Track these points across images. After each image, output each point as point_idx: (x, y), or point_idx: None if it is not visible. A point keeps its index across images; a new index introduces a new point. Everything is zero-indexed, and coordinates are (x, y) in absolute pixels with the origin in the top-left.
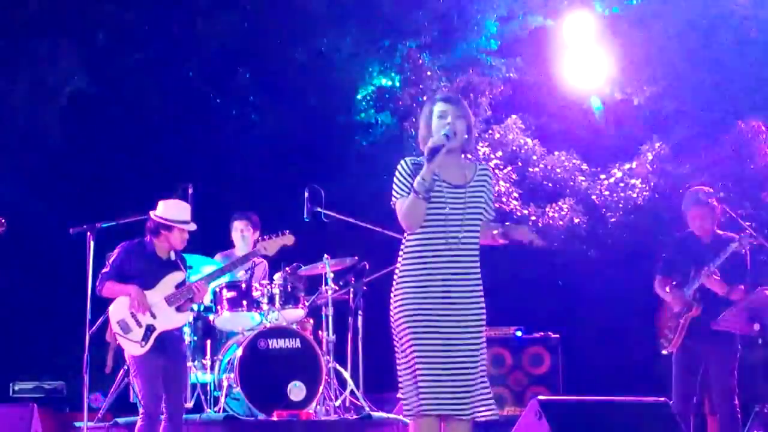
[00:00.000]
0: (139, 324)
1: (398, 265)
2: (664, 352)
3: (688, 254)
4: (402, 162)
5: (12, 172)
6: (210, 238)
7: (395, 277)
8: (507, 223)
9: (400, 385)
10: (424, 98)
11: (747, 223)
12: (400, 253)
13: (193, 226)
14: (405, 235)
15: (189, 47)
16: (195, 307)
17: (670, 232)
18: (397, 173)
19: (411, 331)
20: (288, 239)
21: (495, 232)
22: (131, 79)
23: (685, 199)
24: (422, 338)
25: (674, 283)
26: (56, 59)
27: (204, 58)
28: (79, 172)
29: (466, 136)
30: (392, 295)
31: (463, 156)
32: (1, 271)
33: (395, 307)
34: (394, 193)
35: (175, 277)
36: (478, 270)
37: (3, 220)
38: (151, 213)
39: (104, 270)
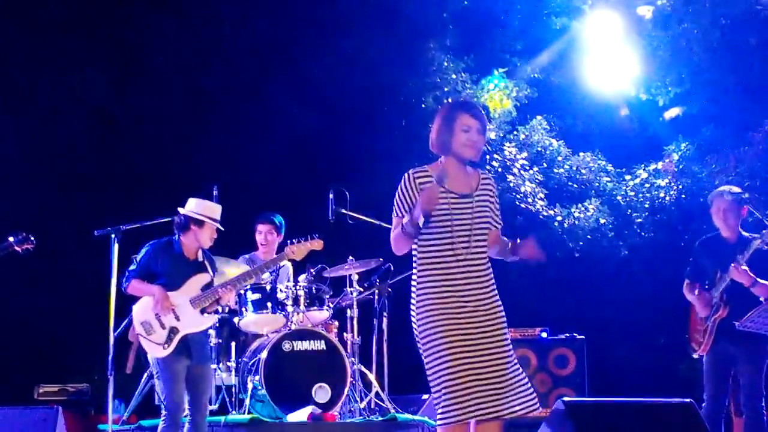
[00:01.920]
0: (162, 326)
1: (414, 275)
2: (695, 356)
3: (714, 256)
4: (405, 176)
5: (36, 175)
6: (233, 240)
7: (413, 288)
8: (518, 240)
9: (433, 396)
10: (449, 99)
11: None
12: (415, 262)
13: (221, 227)
14: (417, 245)
15: (214, 50)
16: (219, 309)
17: (697, 232)
18: (399, 188)
19: (433, 341)
20: (317, 244)
21: (507, 248)
22: (156, 83)
23: (711, 196)
24: (444, 347)
25: (705, 286)
26: (82, 63)
27: (229, 62)
28: (102, 176)
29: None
30: (412, 307)
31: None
32: (26, 276)
33: (418, 320)
34: (394, 208)
35: (202, 278)
36: (491, 274)
37: (32, 238)
38: (180, 209)
39: (131, 267)
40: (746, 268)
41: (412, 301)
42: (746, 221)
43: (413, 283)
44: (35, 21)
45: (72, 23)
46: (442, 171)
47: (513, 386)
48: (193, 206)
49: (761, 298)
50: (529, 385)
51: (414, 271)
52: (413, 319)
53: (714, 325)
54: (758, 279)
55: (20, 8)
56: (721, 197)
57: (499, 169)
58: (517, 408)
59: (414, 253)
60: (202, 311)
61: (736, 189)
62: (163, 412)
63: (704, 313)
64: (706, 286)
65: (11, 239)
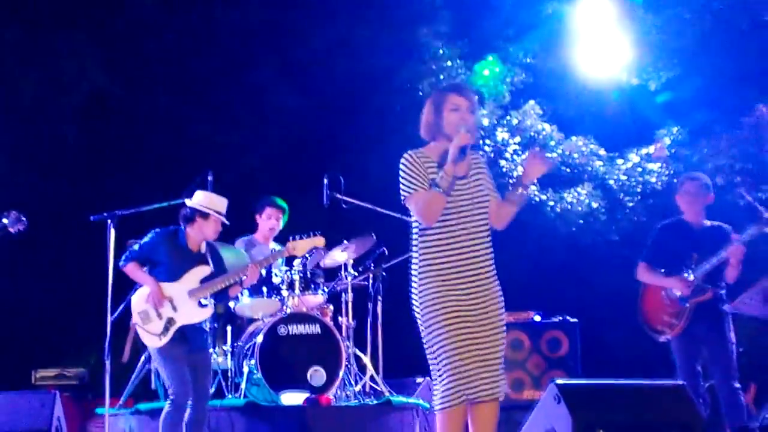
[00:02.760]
0: (159, 316)
1: (416, 258)
2: (662, 339)
3: (683, 241)
4: (407, 157)
5: (32, 163)
6: (230, 223)
7: (414, 270)
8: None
9: (433, 380)
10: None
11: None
12: (416, 246)
13: (226, 221)
14: (417, 228)
15: (204, 36)
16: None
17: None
18: (404, 168)
19: (435, 323)
20: (319, 241)
21: (511, 198)
22: (150, 69)
23: (681, 180)
24: (447, 330)
25: (662, 270)
26: (75, 51)
27: (220, 46)
28: (98, 162)
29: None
30: (414, 289)
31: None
32: (23, 262)
33: (420, 302)
34: (403, 188)
35: (202, 271)
36: (492, 256)
37: (24, 218)
38: (187, 201)
39: (133, 247)
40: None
41: (413, 283)
42: (739, 205)
43: (414, 266)
44: (26, 7)
45: (64, 9)
46: (466, 125)
47: (501, 369)
48: (200, 199)
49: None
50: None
51: (414, 254)
52: (414, 301)
53: (692, 307)
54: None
55: None
56: (692, 182)
57: (492, 154)
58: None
59: (414, 236)
60: (200, 303)
61: (705, 177)
62: (170, 397)
63: (684, 294)
64: (662, 270)
65: (5, 221)
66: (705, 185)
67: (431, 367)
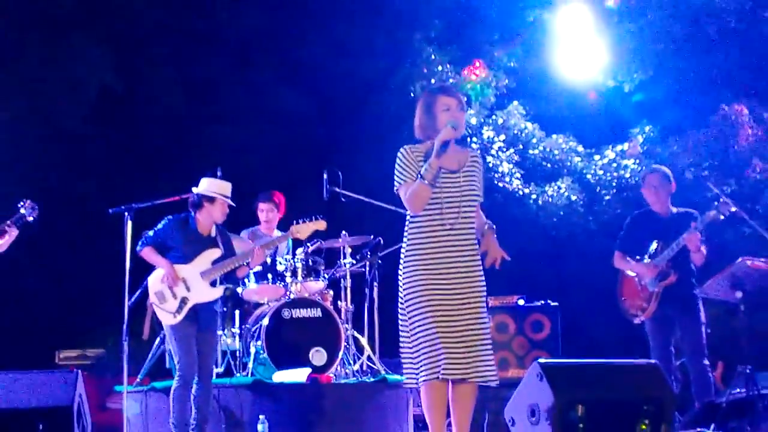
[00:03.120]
0: (174, 296)
1: (404, 244)
2: (637, 321)
3: (649, 230)
4: (402, 150)
5: (54, 159)
6: (235, 217)
7: (402, 255)
8: (490, 232)
9: (402, 358)
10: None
11: (730, 200)
12: (405, 231)
13: (232, 203)
14: (408, 216)
15: (208, 40)
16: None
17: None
18: (399, 160)
19: (416, 304)
20: (320, 224)
21: (482, 233)
22: (161, 72)
23: (643, 174)
24: (425, 310)
25: (637, 257)
26: (89, 54)
27: (229, 52)
28: (115, 159)
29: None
30: (400, 272)
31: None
32: (46, 251)
33: (403, 284)
34: (397, 178)
35: (213, 253)
36: (476, 246)
37: (34, 205)
38: (194, 189)
39: (148, 233)
40: (700, 236)
41: (400, 267)
42: (707, 197)
43: (402, 251)
44: (44, 13)
45: (79, 14)
46: (454, 121)
47: (481, 355)
48: (205, 185)
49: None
50: (493, 359)
51: (404, 239)
52: (400, 282)
53: (660, 290)
54: (702, 247)
55: (31, 2)
56: (653, 174)
57: (479, 151)
58: (481, 378)
59: (406, 225)
60: (212, 283)
61: (665, 168)
62: (177, 374)
63: (649, 278)
64: (637, 258)
65: (23, 210)
66: (665, 176)
67: (401, 345)
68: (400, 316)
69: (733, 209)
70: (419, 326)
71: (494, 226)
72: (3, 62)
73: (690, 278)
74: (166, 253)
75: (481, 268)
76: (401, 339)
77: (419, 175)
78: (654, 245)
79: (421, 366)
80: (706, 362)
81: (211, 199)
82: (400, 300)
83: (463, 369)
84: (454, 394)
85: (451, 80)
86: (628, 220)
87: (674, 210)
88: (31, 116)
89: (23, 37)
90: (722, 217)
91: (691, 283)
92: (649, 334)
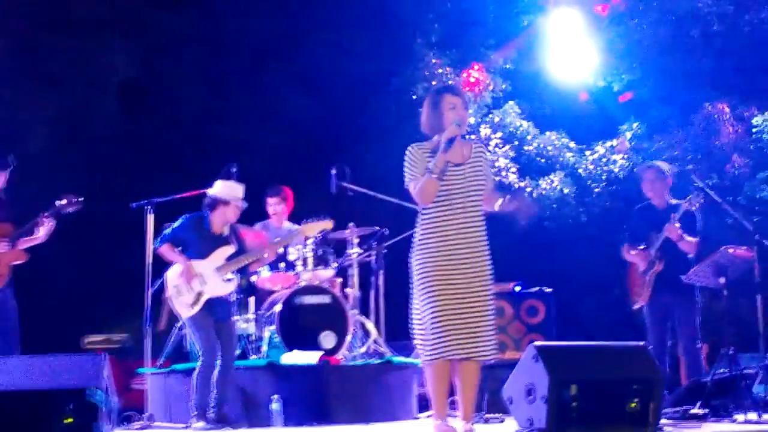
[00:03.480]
0: (190, 290)
1: (416, 233)
2: (635, 307)
3: (649, 222)
4: (410, 149)
5: (81, 156)
6: (249, 209)
7: (414, 243)
8: (507, 196)
9: (414, 337)
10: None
11: (713, 192)
12: (418, 222)
13: (245, 204)
14: (419, 207)
15: (230, 46)
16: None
17: (643, 201)
18: (407, 159)
19: (427, 287)
20: (327, 224)
21: (497, 203)
22: (180, 74)
23: (640, 170)
24: (437, 293)
25: (641, 248)
26: (115, 56)
27: (243, 56)
28: (138, 156)
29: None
30: (412, 258)
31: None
32: (74, 243)
33: (416, 270)
34: (406, 175)
35: (227, 250)
36: (484, 233)
37: (78, 199)
38: (209, 191)
39: (166, 231)
40: (678, 225)
41: (412, 255)
42: (690, 189)
43: (414, 240)
44: (73, 16)
45: (106, 20)
46: (459, 119)
47: (484, 335)
48: (220, 189)
49: (690, 255)
50: (494, 338)
51: (417, 228)
52: (412, 267)
53: (652, 278)
54: (684, 236)
55: (61, 4)
56: (649, 170)
57: (482, 147)
58: (484, 356)
59: (418, 216)
60: (226, 278)
61: (661, 163)
62: (200, 359)
63: (644, 267)
64: (641, 248)
65: (61, 202)
66: (661, 171)
67: (414, 326)
68: (413, 300)
69: (701, 201)
70: (429, 309)
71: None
72: (35, 63)
73: (681, 266)
74: (183, 249)
75: (488, 253)
76: (414, 321)
77: (427, 170)
78: (653, 235)
79: (426, 345)
80: (699, 345)
81: (226, 202)
82: (412, 285)
83: (467, 348)
84: (460, 372)
85: (450, 82)
86: (631, 214)
87: (673, 202)
88: (61, 115)
89: (54, 40)
90: (693, 208)
91: (683, 271)
92: (646, 318)
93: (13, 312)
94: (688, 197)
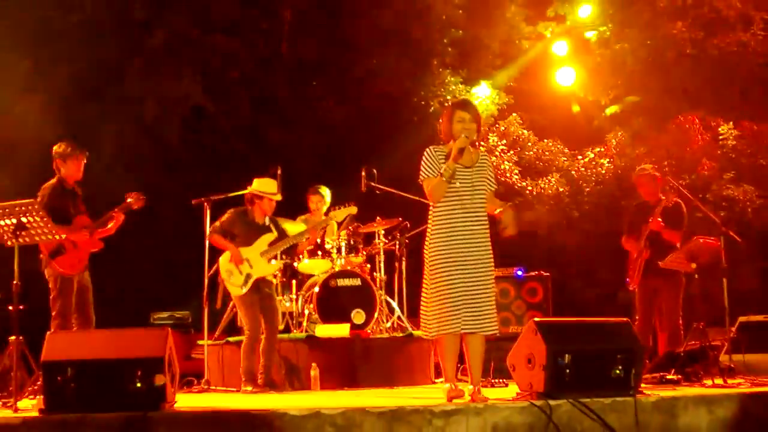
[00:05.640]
0: (240, 272)
1: (429, 226)
2: (630, 288)
3: (641, 216)
4: (428, 150)
5: (150, 158)
6: (293, 206)
7: (427, 234)
8: (507, 204)
9: (422, 313)
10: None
11: (686, 191)
12: (429, 217)
13: (279, 197)
14: (432, 204)
15: (277, 66)
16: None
17: (629, 199)
18: (424, 158)
19: (438, 273)
20: (352, 209)
21: (494, 209)
22: (234, 90)
23: (635, 174)
24: (447, 278)
25: (629, 239)
26: (180, 78)
27: (288, 74)
28: (198, 160)
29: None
30: (426, 247)
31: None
32: (145, 234)
33: (429, 257)
34: (422, 173)
35: (268, 237)
36: (487, 227)
37: (143, 196)
38: (249, 188)
39: (216, 224)
40: (660, 219)
41: (426, 244)
42: (666, 189)
43: (428, 232)
44: (143, 43)
45: (172, 46)
46: (467, 131)
47: (489, 312)
48: (256, 185)
49: (678, 244)
50: (496, 315)
51: (429, 222)
52: (425, 255)
53: (641, 263)
54: (665, 227)
55: (135, 34)
56: (643, 175)
57: (487, 154)
58: (488, 330)
59: (430, 209)
60: (270, 261)
61: (649, 167)
62: (246, 332)
63: (635, 254)
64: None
65: (129, 200)
66: (652, 175)
67: (425, 303)
68: (424, 282)
69: (676, 198)
70: (441, 290)
71: (511, 204)
72: (111, 82)
73: (665, 254)
74: (231, 238)
75: (489, 244)
76: (423, 300)
77: (440, 174)
78: (644, 227)
79: (440, 321)
80: (680, 322)
81: (261, 197)
82: (425, 269)
83: (474, 324)
84: (468, 344)
85: (462, 97)
86: (630, 210)
87: (662, 197)
88: (133, 127)
89: (128, 63)
90: (670, 204)
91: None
92: (635, 298)
93: (89, 293)
94: (662, 197)
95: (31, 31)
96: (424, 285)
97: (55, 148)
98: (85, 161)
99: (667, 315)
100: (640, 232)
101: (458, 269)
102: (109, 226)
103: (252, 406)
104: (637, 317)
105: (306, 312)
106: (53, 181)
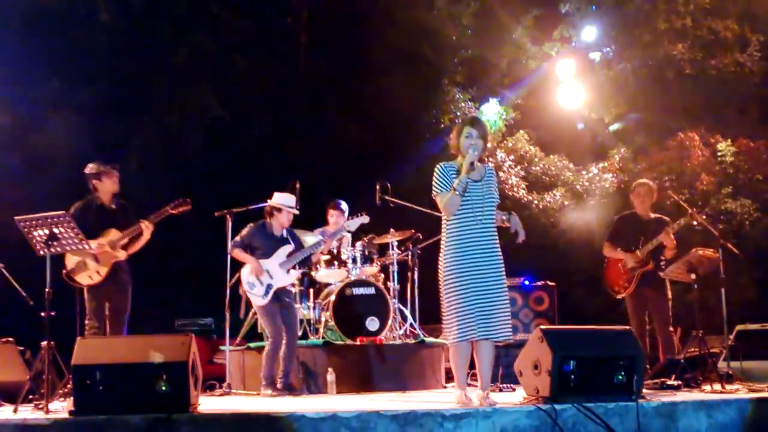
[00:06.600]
0: (261, 283)
1: (443, 238)
2: (619, 297)
3: (633, 227)
4: (438, 166)
5: (174, 170)
6: (311, 218)
7: (442, 246)
8: (512, 213)
9: (443, 322)
10: (459, 120)
11: (686, 204)
12: (443, 230)
13: (296, 211)
14: (444, 217)
15: (295, 85)
16: (298, 273)
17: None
18: (435, 174)
19: (453, 281)
20: (365, 219)
21: (502, 218)
22: (255, 106)
23: (634, 185)
24: (460, 286)
25: (632, 248)
26: (201, 92)
27: (306, 93)
28: (220, 172)
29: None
30: (440, 259)
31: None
32: (170, 245)
33: (444, 267)
34: (434, 188)
35: (287, 249)
36: (497, 237)
37: (188, 200)
38: (268, 201)
39: (237, 238)
40: (673, 235)
41: (441, 255)
42: (667, 203)
43: (442, 242)
44: (166, 61)
45: (195, 66)
46: (475, 147)
47: (502, 319)
48: (274, 199)
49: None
50: (509, 321)
51: (442, 234)
52: (440, 266)
53: (639, 274)
54: (675, 247)
55: (158, 54)
56: (641, 186)
57: (493, 169)
58: (500, 337)
59: (443, 223)
60: (288, 271)
61: (650, 182)
62: (268, 339)
63: (632, 265)
64: (633, 248)
65: (169, 206)
66: (651, 189)
67: (444, 312)
68: (441, 292)
69: (701, 219)
70: (454, 300)
71: (513, 213)
72: (137, 98)
73: (661, 266)
74: (252, 251)
75: (500, 253)
76: (443, 312)
77: (453, 188)
78: (641, 240)
79: (460, 328)
80: (671, 329)
81: (279, 210)
82: (440, 280)
83: (485, 331)
84: (478, 350)
85: (471, 114)
86: (616, 219)
87: (653, 215)
88: (157, 139)
89: (152, 80)
90: (695, 223)
91: (662, 269)
92: (628, 308)
93: (113, 302)
94: (686, 216)
95: (60, 50)
96: (442, 297)
97: (87, 170)
98: (118, 174)
99: (659, 322)
100: (634, 243)
101: (472, 278)
102: (144, 237)
103: (272, 409)
104: (631, 325)
105: (323, 319)
106: (82, 200)
